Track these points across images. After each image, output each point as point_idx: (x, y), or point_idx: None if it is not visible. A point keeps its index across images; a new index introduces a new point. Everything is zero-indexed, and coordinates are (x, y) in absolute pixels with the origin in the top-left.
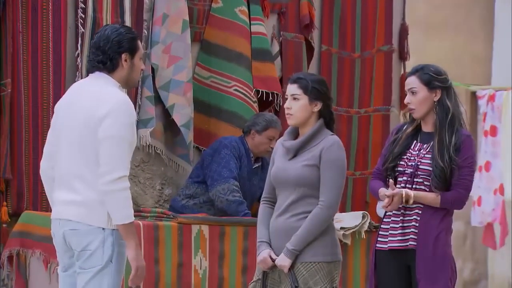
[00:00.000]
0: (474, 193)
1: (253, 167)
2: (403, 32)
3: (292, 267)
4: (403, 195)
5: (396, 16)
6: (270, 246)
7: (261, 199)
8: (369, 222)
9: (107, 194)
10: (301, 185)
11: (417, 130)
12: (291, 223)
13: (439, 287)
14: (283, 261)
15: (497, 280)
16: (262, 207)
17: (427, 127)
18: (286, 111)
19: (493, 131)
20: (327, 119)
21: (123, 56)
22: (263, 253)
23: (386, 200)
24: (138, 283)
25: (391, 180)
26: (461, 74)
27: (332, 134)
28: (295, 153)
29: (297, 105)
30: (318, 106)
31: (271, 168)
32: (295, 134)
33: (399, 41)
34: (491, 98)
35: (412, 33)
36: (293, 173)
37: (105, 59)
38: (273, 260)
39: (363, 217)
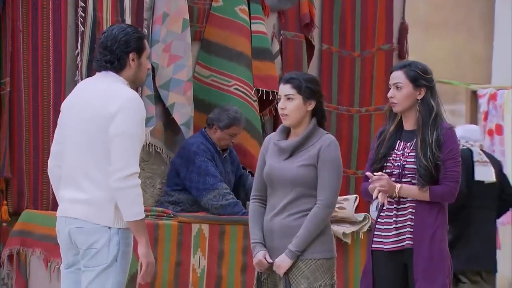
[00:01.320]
0: None
1: (224, 156)
2: (403, 31)
3: (291, 267)
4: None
5: (396, 15)
6: (265, 246)
7: (251, 197)
8: (371, 223)
9: (119, 191)
10: (298, 185)
11: (399, 128)
12: (288, 222)
13: (437, 286)
14: (284, 261)
15: (497, 280)
16: (253, 206)
17: (408, 125)
18: (281, 112)
19: (499, 129)
20: (319, 117)
21: (131, 55)
22: (259, 255)
23: (376, 186)
24: (148, 280)
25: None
26: (461, 74)
27: (326, 133)
28: (291, 153)
29: (291, 105)
30: (312, 105)
31: (261, 166)
32: (287, 132)
33: (399, 40)
34: (493, 97)
35: (412, 32)
36: (290, 173)
37: (112, 58)
38: (269, 263)
39: (365, 218)
